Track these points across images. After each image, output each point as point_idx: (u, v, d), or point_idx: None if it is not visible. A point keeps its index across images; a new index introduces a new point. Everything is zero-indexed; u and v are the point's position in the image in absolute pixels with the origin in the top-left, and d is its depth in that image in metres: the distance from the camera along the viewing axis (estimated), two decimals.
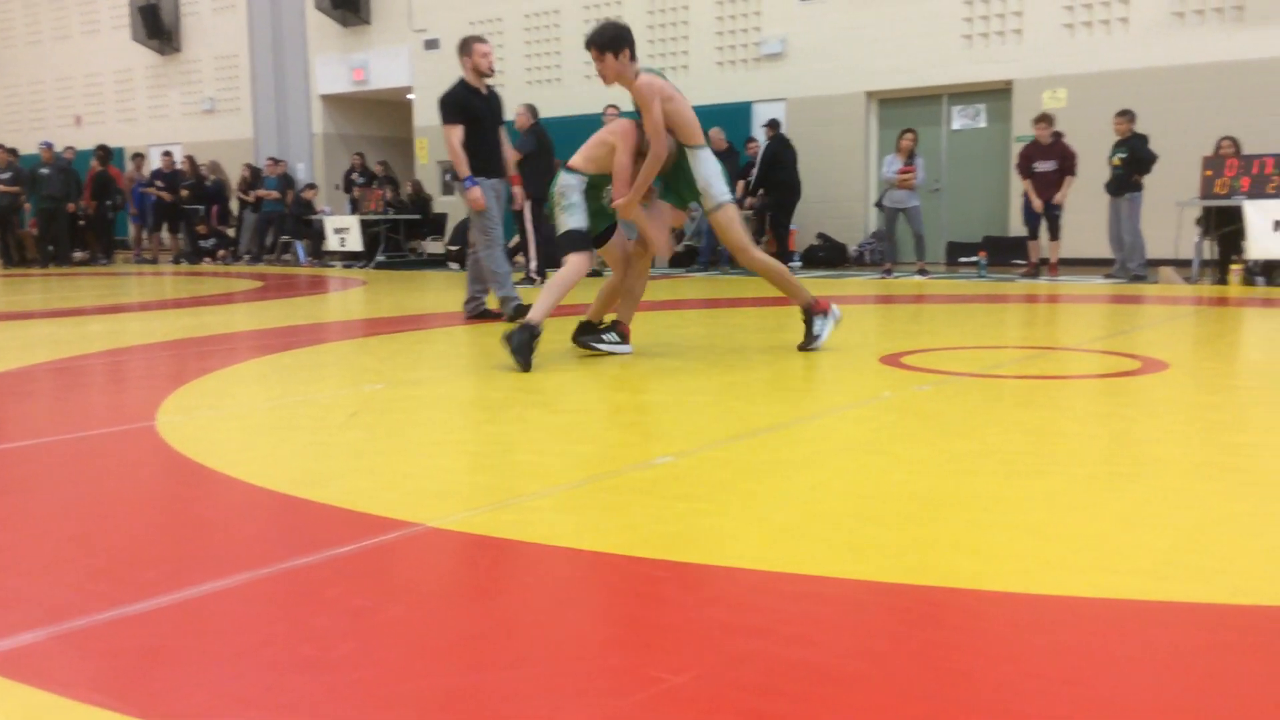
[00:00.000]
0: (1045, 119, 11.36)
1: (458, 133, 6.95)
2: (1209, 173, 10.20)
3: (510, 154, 11.14)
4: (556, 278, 5.25)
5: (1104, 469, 3.01)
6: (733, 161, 12.91)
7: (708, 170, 5.21)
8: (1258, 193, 9.86)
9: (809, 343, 5.36)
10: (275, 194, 17.39)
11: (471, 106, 7.01)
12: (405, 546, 2.36)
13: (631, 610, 1.96)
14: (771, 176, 13.14)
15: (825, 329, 5.37)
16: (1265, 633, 1.80)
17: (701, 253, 13.76)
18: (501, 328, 5.53)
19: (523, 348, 4.93)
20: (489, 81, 7.21)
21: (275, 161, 17.78)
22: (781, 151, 13.22)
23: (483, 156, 7.05)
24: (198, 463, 3.19)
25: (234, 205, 18.80)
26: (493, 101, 7.25)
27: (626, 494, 2.76)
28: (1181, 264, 10.70)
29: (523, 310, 6.53)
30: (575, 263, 5.27)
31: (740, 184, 13.20)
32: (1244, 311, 7.64)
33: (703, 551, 2.27)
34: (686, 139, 5.18)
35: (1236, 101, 11.95)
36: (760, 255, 5.35)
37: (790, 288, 5.37)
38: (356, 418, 3.88)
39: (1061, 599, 1.97)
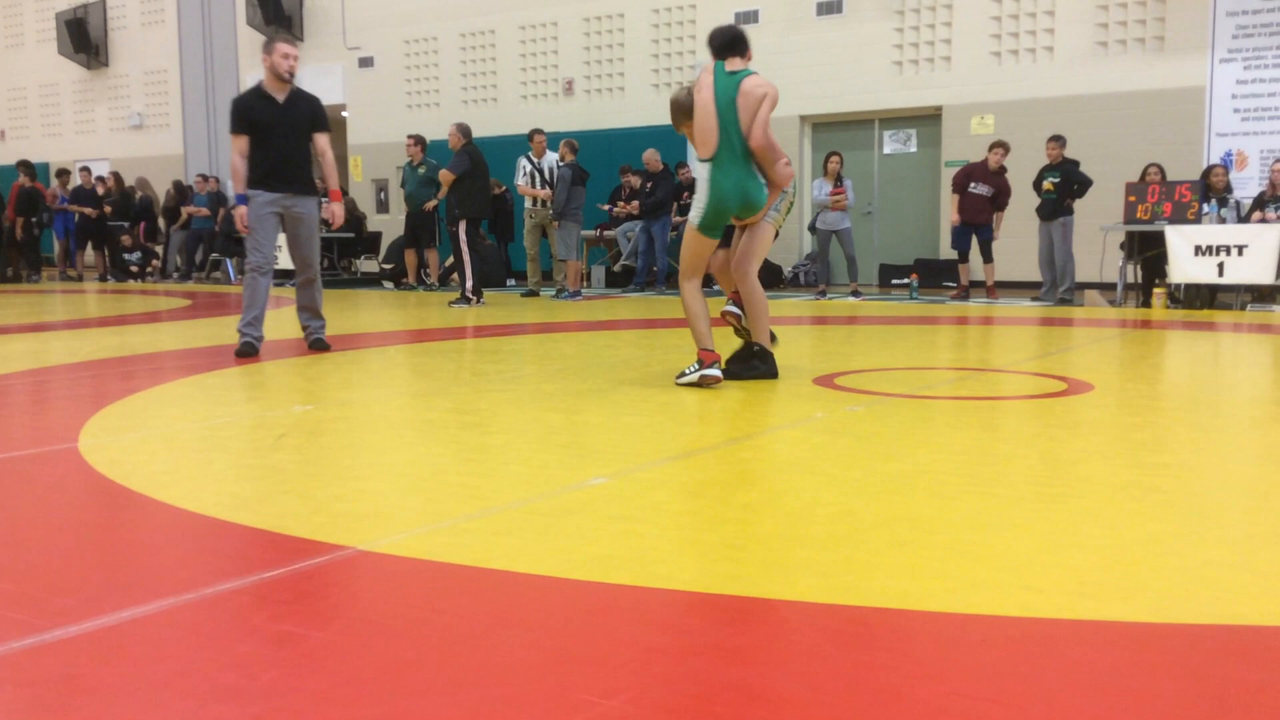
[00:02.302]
0: (1002, 146, 11.45)
1: (239, 144, 6.32)
2: (1132, 198, 10.46)
3: (443, 175, 11.18)
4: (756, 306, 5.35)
5: (1031, 490, 3.06)
6: (667, 185, 12.99)
7: (698, 187, 5.08)
8: (1179, 218, 10.13)
9: (679, 379, 5.09)
10: (205, 211, 17.13)
11: (258, 115, 6.32)
12: (334, 570, 2.32)
13: (564, 633, 1.94)
14: None
15: (690, 375, 5.03)
16: (1183, 651, 1.84)
17: (638, 273, 13.79)
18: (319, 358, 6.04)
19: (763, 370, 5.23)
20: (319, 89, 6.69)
21: (205, 178, 17.51)
22: None
23: (266, 169, 6.32)
24: (121, 485, 3.12)
25: (161, 222, 18.46)
26: (294, 108, 6.45)
27: (560, 515, 2.75)
28: (1107, 287, 10.95)
29: (249, 349, 6.28)
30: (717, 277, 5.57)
31: (674, 206, 13.27)
32: (1167, 334, 7.83)
33: (635, 573, 2.27)
34: (694, 145, 5.14)
35: (1156, 128, 12.28)
36: (684, 287, 5.15)
37: (694, 328, 5.08)
38: (285, 439, 3.82)
39: (988, 618, 2.00)
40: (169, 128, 20.86)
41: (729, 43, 5.12)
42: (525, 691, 1.69)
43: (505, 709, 1.63)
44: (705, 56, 15.13)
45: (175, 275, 17.58)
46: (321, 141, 6.57)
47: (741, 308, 5.49)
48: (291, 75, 6.41)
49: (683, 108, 5.24)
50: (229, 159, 6.47)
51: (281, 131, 6.36)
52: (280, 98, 6.39)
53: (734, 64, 5.11)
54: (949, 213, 12.24)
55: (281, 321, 8.57)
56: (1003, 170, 11.48)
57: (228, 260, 17.14)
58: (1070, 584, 2.17)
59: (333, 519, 2.71)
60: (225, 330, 8.25)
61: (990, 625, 1.97)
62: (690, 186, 13.69)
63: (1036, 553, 2.40)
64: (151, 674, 1.78)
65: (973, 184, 11.50)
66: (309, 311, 6.71)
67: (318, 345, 6.66)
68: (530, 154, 12.50)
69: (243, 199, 6.32)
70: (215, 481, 3.21)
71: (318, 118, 6.58)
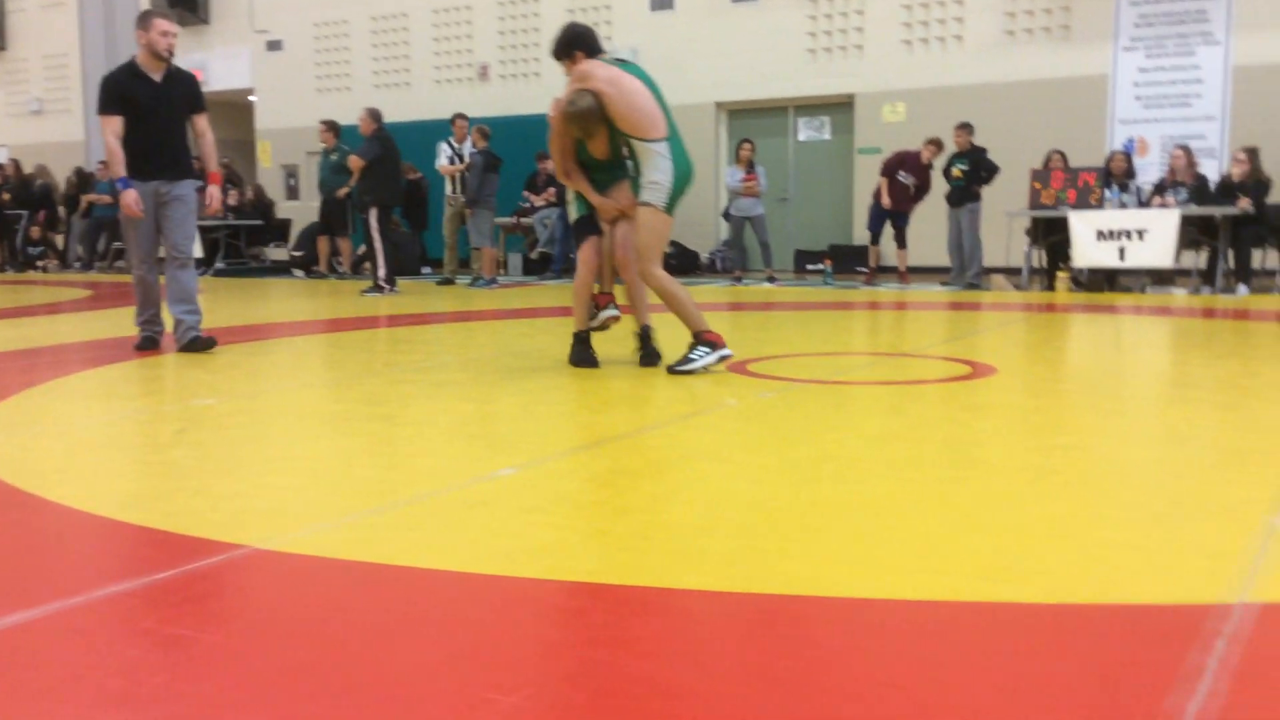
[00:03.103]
0: (936, 143, 11.52)
1: (113, 125, 5.85)
2: (1037, 185, 10.69)
3: (353, 161, 10.98)
4: (575, 283, 5.34)
5: (935, 473, 3.10)
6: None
7: (655, 165, 4.88)
8: (1082, 204, 10.37)
9: (679, 365, 4.95)
10: (107, 198, 16.62)
11: (134, 94, 5.88)
12: (229, 570, 2.27)
13: (466, 630, 1.92)
14: None
15: (704, 360, 4.93)
16: (1078, 633, 1.88)
17: (555, 260, 13.73)
18: (198, 356, 5.83)
19: (584, 358, 5.27)
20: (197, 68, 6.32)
21: (105, 165, 16.99)
22: None
23: (141, 153, 5.91)
24: (9, 484, 3.01)
25: (62, 211, 17.89)
26: (172, 88, 6.03)
27: (467, 508, 2.72)
28: (1013, 272, 11.17)
29: (149, 343, 6.03)
30: (580, 259, 5.29)
31: None
32: (1069, 317, 8.02)
33: (540, 566, 2.25)
34: (630, 130, 4.86)
35: (1062, 115, 12.55)
36: (658, 273, 4.97)
37: (685, 313, 5.00)
38: (185, 434, 3.72)
39: (888, 603, 2.02)
40: (70, 113, 20.20)
41: (595, 41, 5.14)
42: (424, 691, 1.66)
43: (402, 710, 1.60)
44: (622, 42, 14.90)
45: (77, 265, 17.06)
46: (201, 122, 6.21)
47: (612, 308, 5.34)
48: (170, 54, 6.02)
49: (594, 113, 4.89)
50: (103, 139, 5.93)
51: (159, 113, 5.97)
52: (157, 77, 5.98)
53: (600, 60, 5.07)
54: (863, 198, 12.38)
55: None
56: (931, 165, 11.64)
57: None
58: (970, 567, 2.21)
59: (231, 516, 2.65)
60: (128, 322, 8.01)
61: (891, 610, 1.99)
62: None
63: (938, 536, 2.43)
64: (35, 681, 1.72)
65: (901, 172, 11.63)
66: (184, 303, 6.09)
67: (195, 344, 5.99)
68: (451, 139, 12.34)
69: (127, 183, 5.89)
70: (110, 479, 3.11)
71: (196, 98, 6.21)
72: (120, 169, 5.89)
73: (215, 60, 18.54)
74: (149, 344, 6.12)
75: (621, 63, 5.09)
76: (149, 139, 5.94)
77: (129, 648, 1.86)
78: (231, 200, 16.04)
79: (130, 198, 5.88)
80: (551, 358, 5.65)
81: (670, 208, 4.95)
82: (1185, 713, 1.53)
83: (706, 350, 4.96)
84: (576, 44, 5.04)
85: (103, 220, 16.85)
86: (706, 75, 14.54)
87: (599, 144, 5.06)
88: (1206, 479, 3.00)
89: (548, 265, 14.06)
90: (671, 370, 4.99)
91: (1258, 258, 10.39)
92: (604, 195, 5.20)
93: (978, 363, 5.31)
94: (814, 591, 2.08)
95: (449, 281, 12.40)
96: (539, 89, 15.75)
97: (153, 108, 5.94)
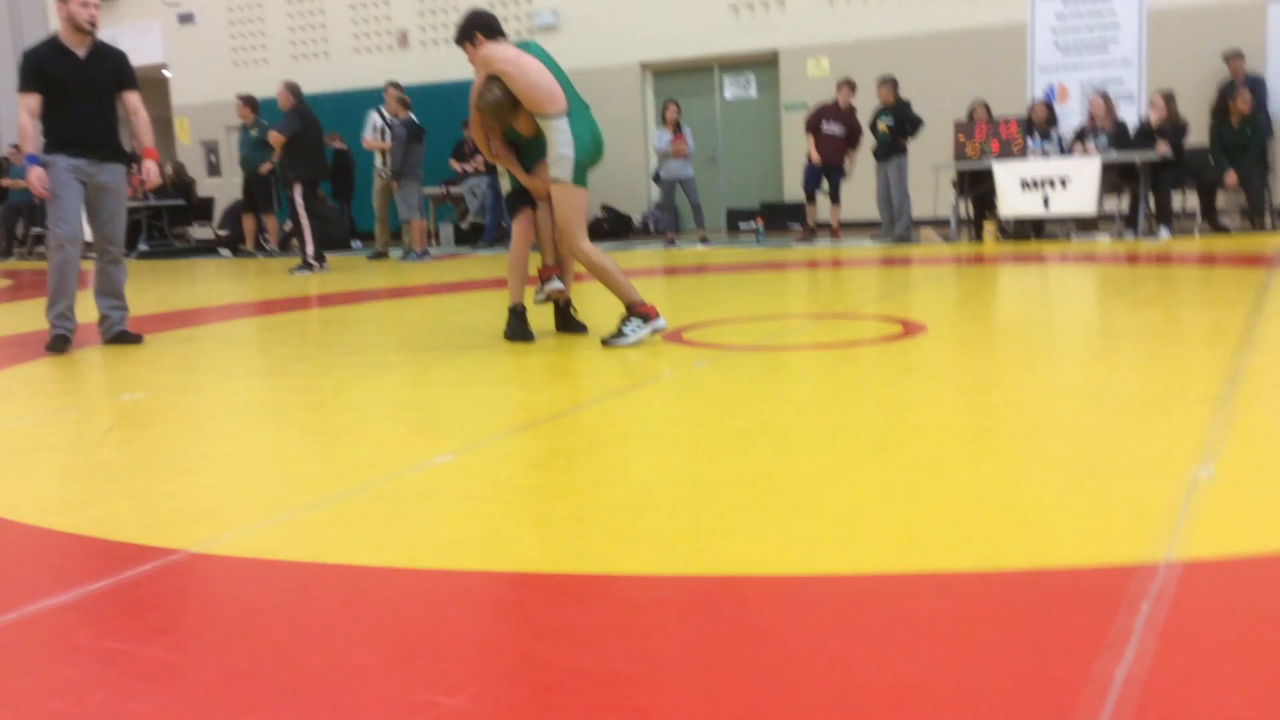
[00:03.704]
0: (849, 84, 11.65)
1: (29, 101, 5.56)
2: (961, 137, 10.80)
3: (273, 137, 10.78)
4: (509, 255, 5.36)
5: (867, 439, 3.15)
6: None
7: (556, 140, 4.94)
8: (1005, 154, 10.51)
9: (613, 338, 4.99)
10: (23, 183, 16.16)
11: (55, 70, 5.57)
12: (164, 577, 2.24)
13: (407, 628, 1.92)
14: None
15: (637, 333, 4.97)
16: (1007, 599, 1.93)
17: (487, 229, 13.62)
18: (127, 349, 5.65)
19: (519, 332, 5.27)
20: (107, 39, 5.84)
21: (18, 149, 16.50)
22: None
23: (65, 132, 5.61)
24: None
25: None
26: (97, 64, 5.73)
27: (405, 499, 2.70)
28: (941, 224, 11.30)
29: (61, 342, 5.61)
30: (515, 231, 5.34)
31: None
32: (997, 269, 8.14)
33: (481, 557, 2.25)
34: (531, 108, 4.95)
35: (983, 66, 12.67)
36: (586, 246, 5.02)
37: (615, 285, 5.04)
38: (114, 433, 3.65)
39: (822, 579, 2.05)
40: None
41: (491, 22, 5.20)
42: (366, 695, 1.66)
43: (344, 716, 1.60)
44: (543, 4, 14.74)
45: None
46: (133, 100, 5.91)
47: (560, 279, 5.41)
48: (93, 26, 5.67)
49: (505, 102, 4.99)
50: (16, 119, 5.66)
51: (83, 90, 5.64)
52: (81, 52, 5.65)
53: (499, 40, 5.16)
54: (792, 155, 12.42)
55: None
56: (852, 109, 11.70)
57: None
58: (900, 536, 2.25)
59: (164, 520, 2.61)
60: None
61: (826, 586, 2.02)
62: None
63: (870, 506, 2.47)
64: None
65: (824, 123, 11.68)
66: (111, 297, 5.91)
67: (122, 338, 5.87)
68: (383, 108, 12.13)
69: (35, 159, 5.53)
70: (35, 484, 3.05)
71: (125, 74, 5.91)
72: (31, 146, 5.60)
73: (125, 35, 18.00)
74: (60, 344, 5.66)
75: (523, 44, 5.13)
76: (72, 117, 5.63)
77: (65, 665, 1.83)
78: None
79: (35, 174, 5.52)
80: (486, 333, 5.62)
81: (580, 179, 4.99)
82: (1114, 676, 1.58)
83: (639, 323, 4.99)
84: (475, 26, 5.14)
85: (19, 205, 16.40)
86: (630, 35, 14.45)
87: (524, 123, 5.11)
88: (1132, 433, 3.08)
89: (479, 235, 13.95)
90: (605, 343, 5.00)
91: (1178, 200, 10.61)
92: (535, 171, 5.21)
93: (909, 321, 5.38)
94: (753, 570, 2.11)
95: (381, 256, 12.26)
96: (460, 55, 15.46)
97: (76, 84, 5.62)
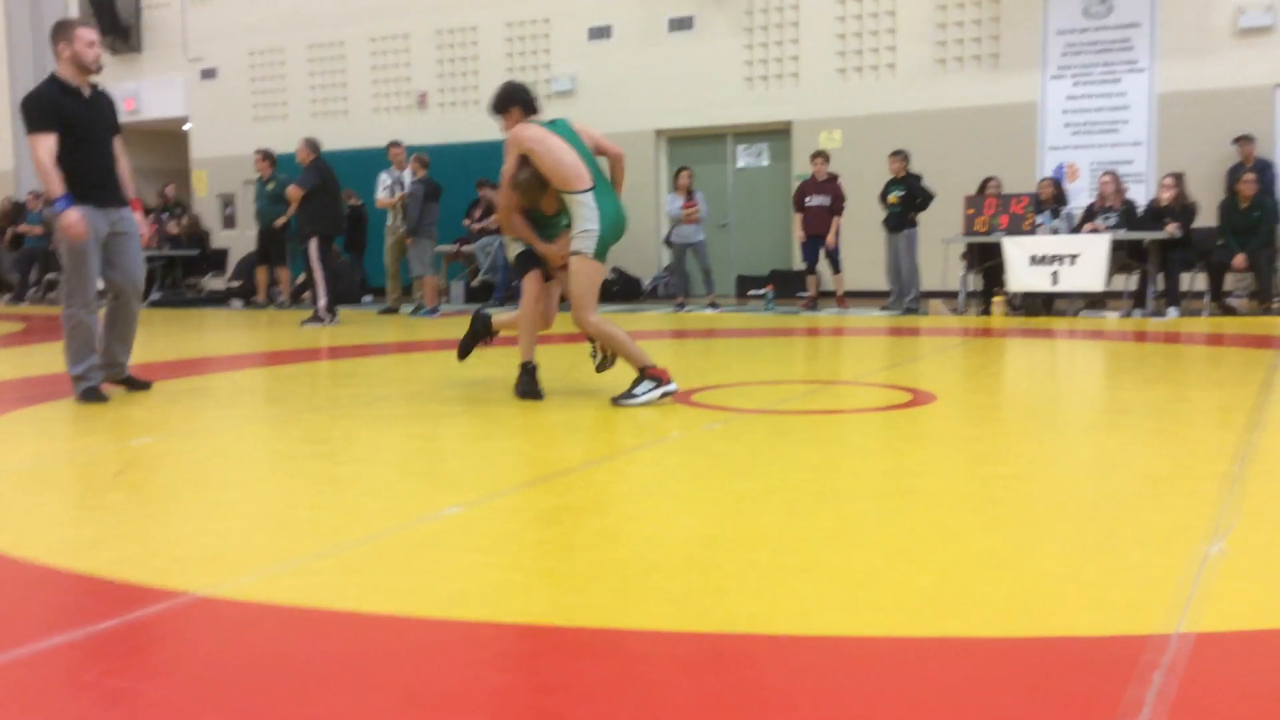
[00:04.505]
0: (822, 155, 11.93)
1: (48, 143, 5.22)
2: (970, 211, 10.88)
3: (292, 191, 10.90)
4: (519, 314, 5.43)
5: (875, 504, 3.14)
6: None
7: (582, 215, 5.07)
8: (1015, 229, 10.58)
9: (623, 398, 5.03)
10: (38, 229, 16.32)
11: (69, 112, 5.32)
12: (172, 619, 2.23)
13: (414, 676, 1.91)
14: None
15: (648, 394, 5.01)
16: (1018, 666, 1.92)
17: (498, 288, 13.69)
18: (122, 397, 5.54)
19: (530, 389, 5.26)
20: (94, 79, 5.53)
21: (36, 196, 16.68)
22: None
23: (88, 178, 5.35)
24: None
25: None
26: (100, 105, 5.53)
27: (413, 549, 2.70)
28: (950, 296, 11.36)
29: (93, 394, 5.40)
30: (525, 290, 5.40)
31: None
32: (1006, 342, 8.17)
33: (488, 608, 2.25)
34: (558, 184, 5.11)
35: (994, 142, 12.80)
36: (595, 319, 5.14)
37: (626, 352, 5.13)
38: (123, 476, 3.66)
39: (834, 640, 2.04)
40: None
41: (530, 99, 5.34)
42: None
43: None
44: (560, 71, 14.95)
45: (6, 298, 16.71)
46: (118, 145, 5.64)
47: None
48: (99, 67, 5.45)
49: (535, 181, 5.13)
50: (34, 161, 5.28)
51: (95, 134, 5.43)
52: (86, 93, 5.42)
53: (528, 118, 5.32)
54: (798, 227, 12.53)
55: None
56: (832, 177, 11.86)
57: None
58: (911, 601, 2.24)
59: (172, 563, 2.61)
60: (62, 357, 7.87)
61: (836, 647, 2.01)
62: None
63: (879, 570, 2.46)
64: None
65: (808, 198, 11.86)
66: (124, 344, 5.71)
67: (130, 383, 5.72)
68: (391, 168, 12.32)
69: (69, 199, 5.20)
70: (45, 525, 3.05)
71: (116, 118, 5.66)
72: (58, 187, 5.21)
73: (148, 89, 18.32)
74: (95, 395, 5.41)
75: (551, 123, 5.27)
76: (90, 162, 5.40)
77: (71, 703, 1.83)
78: (173, 229, 15.83)
79: (72, 217, 5.18)
80: (496, 389, 5.64)
81: (601, 254, 5.12)
82: None
83: (651, 385, 5.03)
84: (513, 100, 5.29)
85: (34, 252, 16.55)
86: (645, 103, 14.64)
87: (549, 201, 5.27)
88: (1141, 507, 3.07)
89: (490, 293, 14.03)
90: (615, 402, 5.02)
91: (1186, 280, 10.66)
92: (555, 241, 5.35)
93: (917, 390, 5.39)
94: (761, 630, 2.10)
95: (392, 311, 12.33)
96: (478, 116, 15.73)
97: (90, 129, 5.41)
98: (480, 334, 5.70)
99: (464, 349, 5.71)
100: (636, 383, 5.04)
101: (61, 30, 5.42)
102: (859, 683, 1.85)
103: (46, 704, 1.83)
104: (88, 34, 5.42)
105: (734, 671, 1.94)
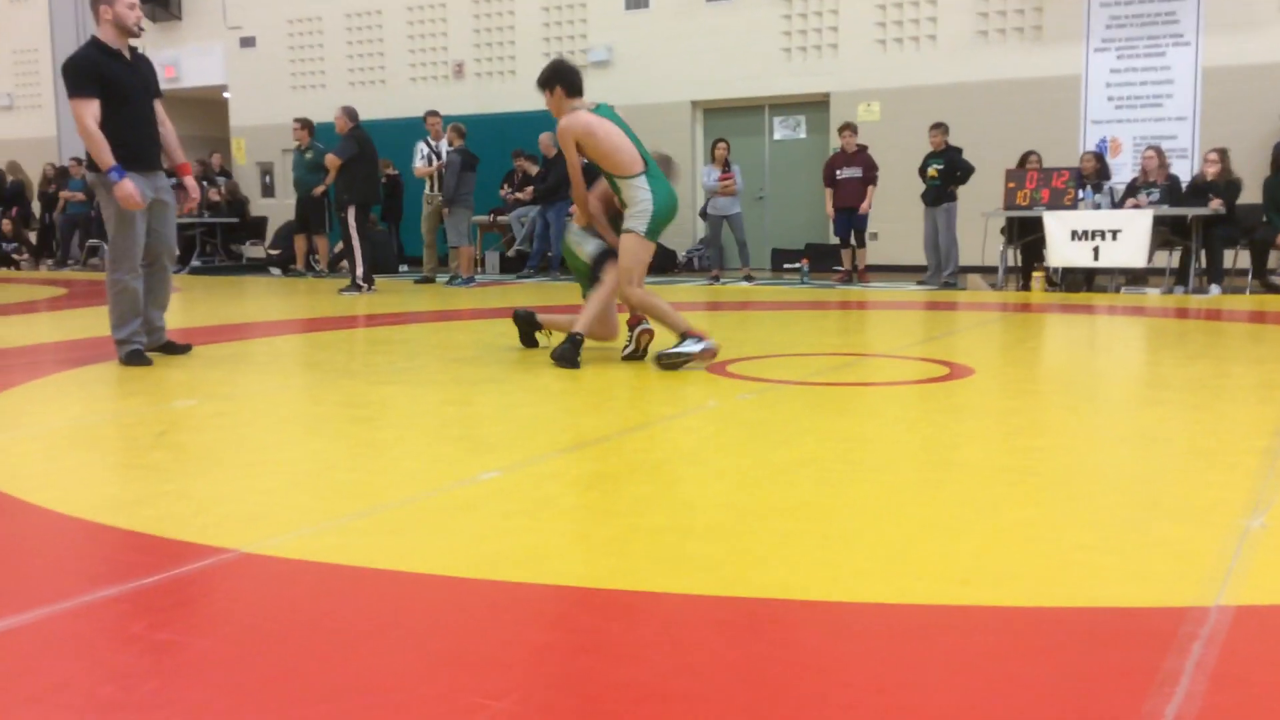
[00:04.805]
0: (849, 127, 11.83)
1: (93, 109, 5.19)
2: (1011, 185, 10.77)
3: (330, 160, 10.95)
4: (598, 295, 5.51)
5: (913, 475, 3.14)
6: (559, 169, 12.93)
7: (637, 197, 5.26)
8: (1056, 204, 10.46)
9: (668, 355, 5.19)
10: (80, 195, 16.51)
11: (112, 75, 5.28)
12: (216, 575, 2.27)
13: (453, 634, 1.94)
14: None
15: (692, 347, 5.19)
16: (1057, 635, 1.92)
17: (531, 257, 13.72)
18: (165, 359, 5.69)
19: (568, 357, 5.30)
20: (134, 43, 5.52)
21: (79, 162, 16.85)
22: None
23: (131, 143, 5.33)
24: None
25: (37, 207, 17.75)
26: (142, 69, 5.50)
27: (450, 512, 2.73)
28: (988, 271, 11.26)
29: (139, 356, 5.45)
30: (607, 278, 5.52)
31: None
32: (1045, 317, 8.10)
33: (525, 570, 2.27)
34: (611, 169, 5.28)
35: (1036, 115, 12.65)
36: (638, 292, 5.31)
37: (668, 319, 5.29)
38: (166, 437, 3.71)
39: (871, 606, 2.05)
40: (41, 109, 20.03)
41: (575, 80, 5.44)
42: (412, 696, 1.68)
43: (391, 714, 1.62)
44: (596, 41, 14.88)
45: (49, 263, 16.92)
46: (160, 109, 5.64)
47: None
48: (141, 29, 5.49)
49: (609, 196, 5.56)
50: (78, 126, 5.23)
51: (138, 97, 5.39)
52: (127, 56, 5.41)
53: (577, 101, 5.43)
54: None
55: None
56: (861, 148, 11.77)
57: (105, 246, 16.57)
58: (949, 570, 2.24)
59: (216, 520, 2.65)
60: (104, 321, 7.98)
61: (873, 614, 2.02)
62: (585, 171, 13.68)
63: (917, 540, 2.46)
64: (24, 688, 1.72)
65: (839, 171, 11.78)
66: (160, 309, 5.81)
67: (169, 348, 5.82)
68: (428, 137, 12.33)
69: (122, 171, 5.21)
70: (92, 483, 3.11)
71: (156, 81, 5.66)
72: (107, 156, 5.19)
73: (187, 56, 18.43)
74: (139, 358, 5.48)
75: (595, 107, 5.40)
76: (135, 126, 5.37)
77: (119, 654, 1.86)
78: (214, 196, 15.95)
79: (129, 188, 5.20)
80: (532, 358, 5.66)
81: (652, 234, 5.30)
82: (1163, 716, 1.57)
83: (694, 340, 5.21)
84: (557, 79, 5.42)
85: (76, 217, 16.73)
86: (682, 74, 14.57)
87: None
88: (1180, 481, 3.05)
89: (525, 262, 14.06)
90: (661, 357, 5.21)
91: (1229, 257, 10.51)
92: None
93: (955, 364, 5.36)
94: (796, 595, 2.11)
95: (428, 280, 12.38)
96: (514, 86, 15.74)
97: (132, 92, 5.37)
98: (529, 327, 5.98)
99: (527, 342, 6.02)
100: (681, 340, 5.24)
101: None
102: (895, 648, 1.85)
103: (95, 653, 1.87)
104: None
105: (771, 635, 1.95)
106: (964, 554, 2.35)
